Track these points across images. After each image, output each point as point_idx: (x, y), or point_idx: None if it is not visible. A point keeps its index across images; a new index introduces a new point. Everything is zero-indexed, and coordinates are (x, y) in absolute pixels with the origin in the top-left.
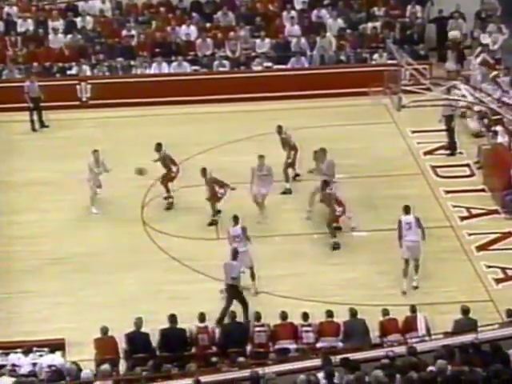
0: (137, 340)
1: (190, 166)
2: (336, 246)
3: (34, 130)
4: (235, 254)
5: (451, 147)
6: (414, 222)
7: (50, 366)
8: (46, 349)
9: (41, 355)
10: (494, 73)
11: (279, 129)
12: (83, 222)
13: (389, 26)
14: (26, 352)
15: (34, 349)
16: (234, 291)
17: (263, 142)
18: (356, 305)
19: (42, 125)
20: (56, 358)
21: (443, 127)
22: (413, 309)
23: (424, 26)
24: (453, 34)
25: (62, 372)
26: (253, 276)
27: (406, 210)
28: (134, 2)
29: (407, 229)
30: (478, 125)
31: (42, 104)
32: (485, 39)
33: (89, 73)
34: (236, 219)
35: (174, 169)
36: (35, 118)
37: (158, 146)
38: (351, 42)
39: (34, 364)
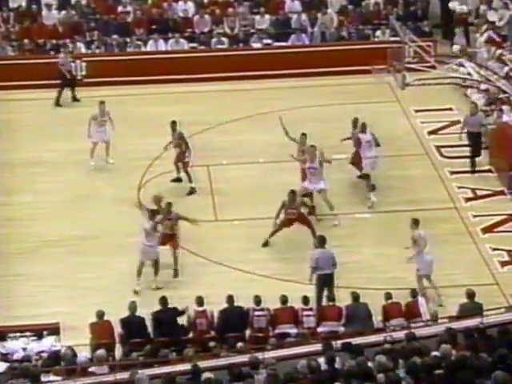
0: (132, 324)
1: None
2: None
3: (58, 104)
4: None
5: (472, 164)
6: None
7: (38, 353)
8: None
9: (33, 340)
10: (500, 51)
11: (174, 125)
12: (78, 203)
13: (392, 2)
14: (18, 337)
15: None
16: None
17: (263, 121)
18: (358, 288)
19: (75, 98)
20: (46, 343)
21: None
22: (413, 293)
23: (428, 2)
24: (453, 5)
25: (58, 357)
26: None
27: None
28: None
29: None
30: (480, 97)
31: None
32: (491, 16)
33: (84, 50)
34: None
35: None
36: (67, 92)
37: (173, 125)
38: (353, 19)
39: (24, 349)
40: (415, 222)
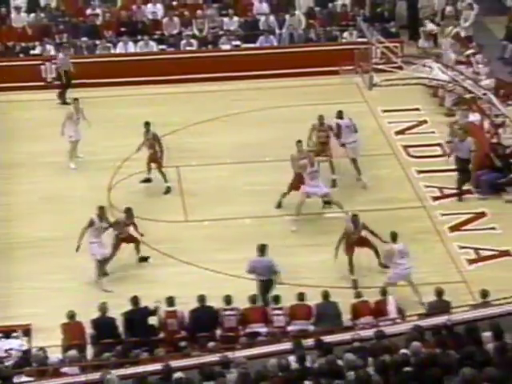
0: (103, 325)
1: None
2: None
3: (65, 103)
4: None
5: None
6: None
7: (6, 351)
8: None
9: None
10: (467, 52)
11: (147, 126)
12: (49, 205)
13: (359, 4)
14: None
15: None
16: None
17: (232, 122)
18: (328, 287)
19: (64, 101)
20: (13, 343)
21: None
22: (383, 291)
23: (395, 3)
24: (430, 27)
25: (28, 358)
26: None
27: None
28: None
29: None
30: (451, 100)
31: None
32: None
33: (53, 53)
34: None
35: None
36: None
37: (147, 125)
38: (321, 20)
39: None
40: (391, 236)
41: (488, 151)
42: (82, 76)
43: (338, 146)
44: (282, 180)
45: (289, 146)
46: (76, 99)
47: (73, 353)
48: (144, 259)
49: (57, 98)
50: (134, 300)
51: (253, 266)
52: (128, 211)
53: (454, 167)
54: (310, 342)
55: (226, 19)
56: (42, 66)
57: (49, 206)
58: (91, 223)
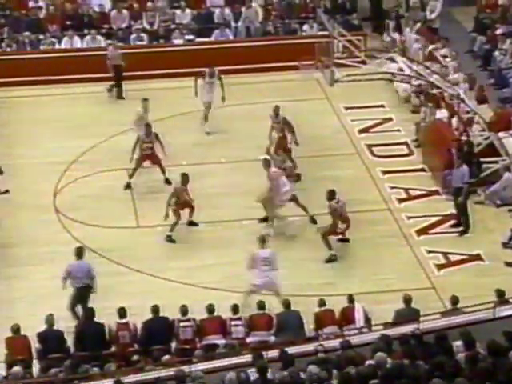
0: (50, 339)
1: (108, 149)
2: (333, 259)
3: (120, 97)
4: None
5: (464, 224)
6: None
7: None
8: None
9: None
10: (432, 46)
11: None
12: None
13: None
14: None
15: None
16: None
17: (186, 121)
18: (289, 295)
19: (119, 95)
20: None
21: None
22: (350, 298)
23: None
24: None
25: None
26: None
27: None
28: None
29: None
30: (406, 88)
31: None
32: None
33: None
34: None
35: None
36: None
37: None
38: (279, 12)
39: None
40: (260, 239)
41: (451, 148)
42: (25, 73)
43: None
44: (237, 182)
45: (244, 147)
46: (146, 99)
47: (17, 369)
48: (194, 224)
49: (106, 91)
50: (88, 312)
51: (69, 270)
52: (184, 176)
53: (419, 167)
54: (270, 353)
55: (178, 12)
56: None
57: None
58: None
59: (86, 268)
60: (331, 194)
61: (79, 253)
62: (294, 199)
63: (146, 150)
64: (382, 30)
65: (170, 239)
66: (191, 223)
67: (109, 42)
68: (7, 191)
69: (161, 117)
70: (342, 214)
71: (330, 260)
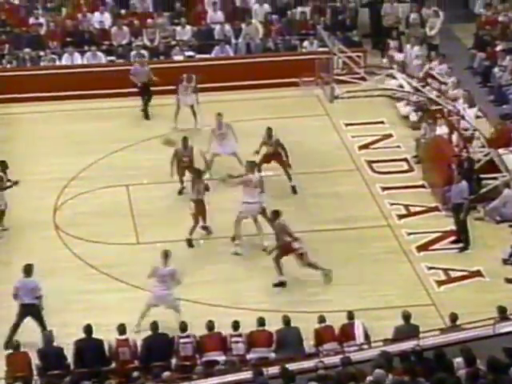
0: (50, 355)
1: (108, 165)
2: (282, 284)
3: (146, 118)
4: None
5: (464, 240)
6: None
7: None
8: None
9: None
10: (427, 67)
11: (185, 141)
12: None
13: (319, 11)
14: None
15: None
16: None
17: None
18: (289, 312)
19: (146, 115)
20: None
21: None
22: (350, 315)
23: (357, 11)
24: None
25: None
26: None
27: None
28: None
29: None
30: (409, 109)
31: None
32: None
33: None
34: None
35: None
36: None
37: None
38: (279, 29)
39: None
40: (162, 255)
41: (451, 164)
42: (26, 90)
43: None
44: (235, 198)
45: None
46: (219, 114)
47: None
48: (206, 228)
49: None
50: (87, 328)
51: (17, 287)
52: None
53: (419, 183)
54: (271, 370)
55: (178, 28)
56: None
57: None
58: None
59: (32, 286)
60: (276, 214)
61: (27, 270)
62: (262, 212)
63: (184, 162)
64: (383, 48)
65: (189, 243)
66: (204, 228)
67: (136, 59)
68: (17, 182)
69: (161, 133)
70: (290, 232)
71: (278, 285)
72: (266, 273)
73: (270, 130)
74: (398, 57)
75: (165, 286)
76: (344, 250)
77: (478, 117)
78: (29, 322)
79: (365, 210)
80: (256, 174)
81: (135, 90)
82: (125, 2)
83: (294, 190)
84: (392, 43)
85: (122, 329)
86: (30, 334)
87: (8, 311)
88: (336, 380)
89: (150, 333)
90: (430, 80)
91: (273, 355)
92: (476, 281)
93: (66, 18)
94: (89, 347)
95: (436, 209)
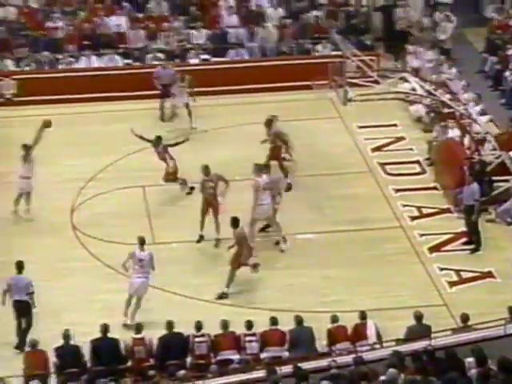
0: (66, 354)
1: (124, 166)
2: (224, 296)
3: (162, 119)
4: None
5: (475, 241)
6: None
7: None
8: None
9: None
10: (443, 76)
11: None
12: (8, 228)
13: (332, 15)
14: None
15: None
16: None
17: (201, 140)
18: (302, 312)
19: (161, 117)
20: None
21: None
22: (362, 315)
23: (370, 15)
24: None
25: None
26: None
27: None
28: None
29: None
30: (419, 109)
31: None
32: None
33: (13, 68)
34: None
35: (170, 163)
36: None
37: (158, 140)
38: (293, 33)
39: None
40: (139, 241)
41: (463, 167)
42: (44, 92)
43: None
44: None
45: None
46: (274, 116)
47: (35, 383)
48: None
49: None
50: (103, 328)
51: (9, 283)
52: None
53: (431, 185)
54: (284, 369)
55: (193, 32)
56: (1, 82)
57: (6, 230)
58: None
59: (24, 283)
60: (236, 222)
61: (19, 267)
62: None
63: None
64: (397, 52)
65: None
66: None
67: (161, 62)
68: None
69: (177, 135)
70: (248, 244)
71: (221, 297)
72: (280, 274)
73: (268, 121)
74: (415, 63)
75: (144, 270)
76: (357, 250)
77: (490, 120)
78: (38, 322)
79: (378, 211)
80: (264, 176)
81: (157, 92)
82: (141, 6)
83: (289, 187)
84: (411, 48)
85: (137, 327)
86: (45, 332)
87: None
88: (348, 379)
89: (164, 332)
90: (444, 89)
91: (286, 354)
92: (487, 282)
93: (84, 21)
94: (105, 346)
95: (448, 210)
